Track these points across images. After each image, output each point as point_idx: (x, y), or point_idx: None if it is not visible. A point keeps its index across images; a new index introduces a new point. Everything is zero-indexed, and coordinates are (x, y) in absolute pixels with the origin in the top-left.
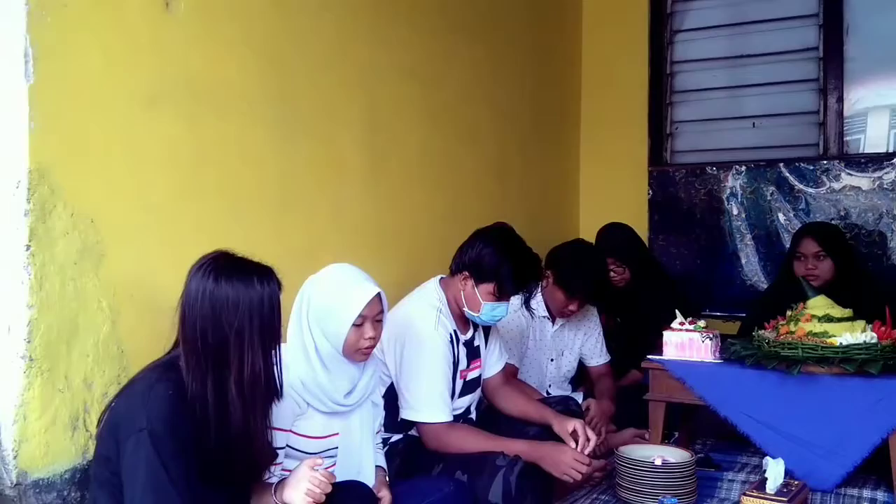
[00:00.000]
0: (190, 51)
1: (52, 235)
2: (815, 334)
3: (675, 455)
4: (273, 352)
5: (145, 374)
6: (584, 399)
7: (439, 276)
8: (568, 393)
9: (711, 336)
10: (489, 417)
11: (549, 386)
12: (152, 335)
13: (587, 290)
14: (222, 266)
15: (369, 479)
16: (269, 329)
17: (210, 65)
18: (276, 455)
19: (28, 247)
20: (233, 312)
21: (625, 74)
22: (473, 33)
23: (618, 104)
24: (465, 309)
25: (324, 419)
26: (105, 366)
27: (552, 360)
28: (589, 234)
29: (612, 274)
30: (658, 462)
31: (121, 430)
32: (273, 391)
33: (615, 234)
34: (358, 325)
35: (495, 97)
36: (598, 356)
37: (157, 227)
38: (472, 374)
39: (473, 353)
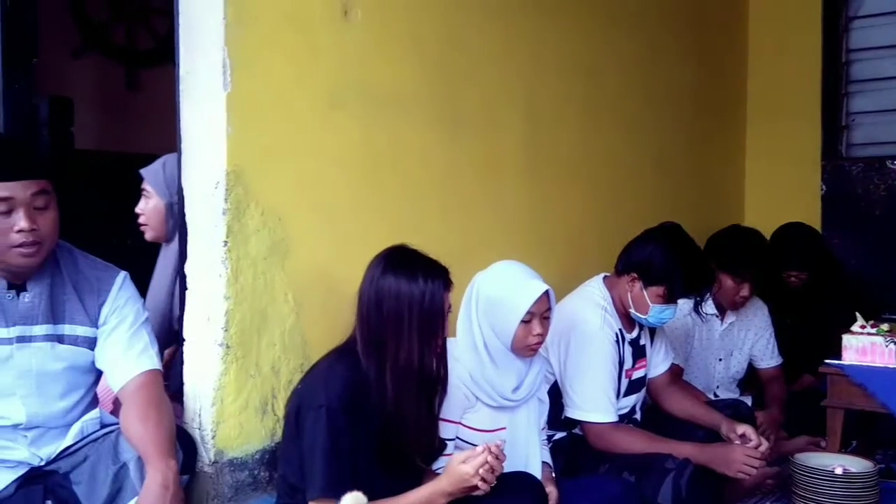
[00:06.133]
0: (365, 56)
1: (246, 232)
2: None
3: (855, 464)
4: (431, 347)
5: (326, 358)
6: (753, 403)
7: (603, 275)
8: (736, 395)
9: None
10: (654, 418)
11: (717, 387)
12: (331, 326)
13: (756, 271)
14: (394, 258)
15: (535, 474)
16: (427, 324)
17: (383, 69)
18: (445, 445)
19: (225, 243)
20: (393, 302)
21: (795, 64)
22: (634, 24)
23: (787, 96)
24: (632, 310)
25: (492, 413)
26: (290, 354)
27: (720, 359)
28: None
29: (791, 279)
30: (838, 471)
31: (303, 408)
32: (430, 384)
33: (795, 238)
34: (526, 322)
35: (656, 90)
36: (769, 358)
37: (336, 225)
38: (637, 374)
39: (639, 353)
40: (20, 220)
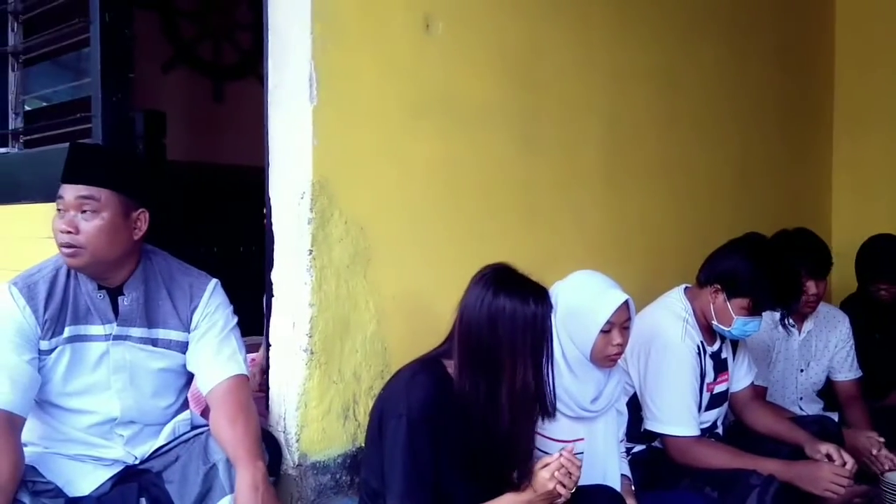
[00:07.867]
0: (446, 68)
1: (330, 241)
2: None
3: None
4: (543, 369)
5: (410, 367)
6: (839, 420)
7: (684, 286)
8: (820, 407)
9: None
10: (736, 433)
11: (801, 399)
12: (411, 334)
13: (819, 262)
14: (502, 279)
15: (614, 486)
16: (540, 346)
17: (464, 80)
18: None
19: (310, 251)
20: (509, 324)
21: (884, 70)
22: (716, 33)
23: (876, 103)
24: (715, 322)
25: (570, 423)
26: (371, 361)
27: (802, 370)
28: (842, 243)
29: (881, 292)
30: None
31: (385, 415)
32: (541, 406)
33: (885, 249)
34: (606, 332)
35: (739, 99)
36: (847, 370)
37: (416, 235)
38: (719, 388)
39: (721, 366)
40: (62, 222)
